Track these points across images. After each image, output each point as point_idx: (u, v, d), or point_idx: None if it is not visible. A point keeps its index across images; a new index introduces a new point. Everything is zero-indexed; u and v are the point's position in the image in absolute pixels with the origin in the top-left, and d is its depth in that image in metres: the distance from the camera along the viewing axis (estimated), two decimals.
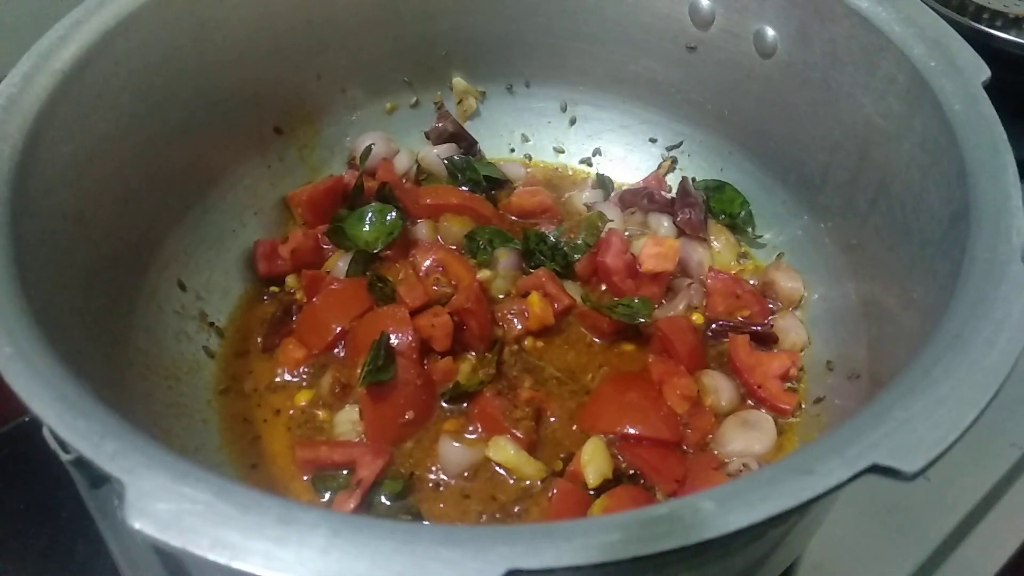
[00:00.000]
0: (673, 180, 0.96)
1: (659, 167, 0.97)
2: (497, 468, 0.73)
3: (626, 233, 0.90)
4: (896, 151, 0.70)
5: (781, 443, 0.76)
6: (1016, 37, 1.05)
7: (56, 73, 0.65)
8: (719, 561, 0.54)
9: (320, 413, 0.78)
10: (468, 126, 0.99)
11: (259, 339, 0.83)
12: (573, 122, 1.00)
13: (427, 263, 0.85)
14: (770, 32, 0.81)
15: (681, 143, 0.96)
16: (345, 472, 0.73)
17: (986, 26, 1.06)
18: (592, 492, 0.70)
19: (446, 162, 0.96)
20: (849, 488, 0.43)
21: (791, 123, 0.83)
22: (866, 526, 0.79)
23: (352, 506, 0.70)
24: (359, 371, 0.75)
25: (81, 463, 0.47)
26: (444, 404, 0.78)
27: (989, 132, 0.61)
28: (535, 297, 0.83)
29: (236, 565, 0.38)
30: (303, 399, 0.78)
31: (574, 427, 0.77)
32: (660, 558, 0.39)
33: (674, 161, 0.97)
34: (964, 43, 0.67)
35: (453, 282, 0.84)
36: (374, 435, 0.75)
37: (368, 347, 0.75)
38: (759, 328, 0.82)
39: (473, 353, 0.81)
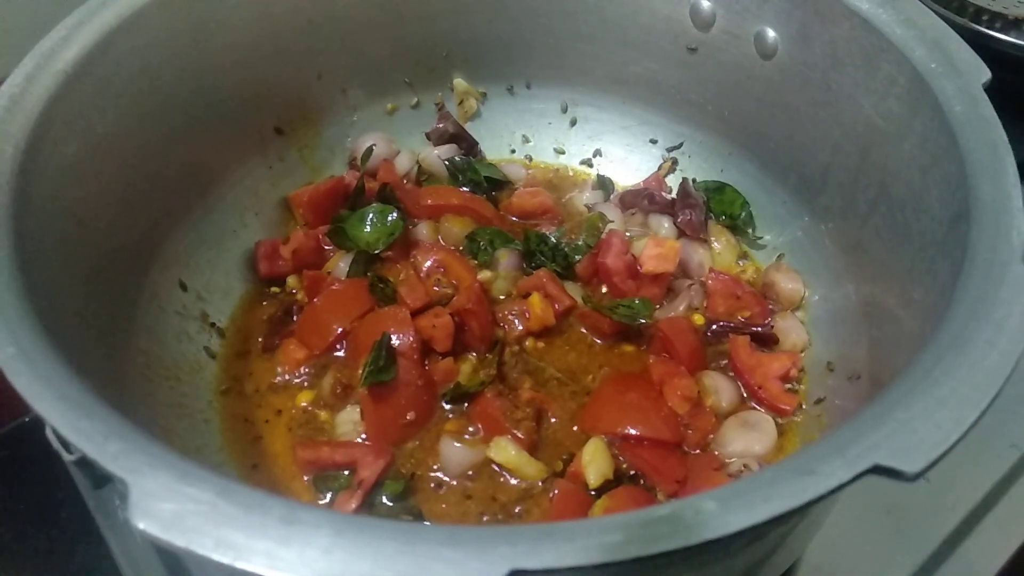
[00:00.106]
0: (673, 181, 0.96)
1: (659, 168, 0.97)
2: (498, 469, 0.74)
3: (627, 234, 0.90)
4: (896, 152, 0.70)
5: (782, 444, 0.76)
6: (1015, 39, 1.05)
7: (58, 73, 0.65)
8: (720, 562, 0.54)
9: (321, 413, 0.78)
10: (469, 127, 0.99)
11: (260, 339, 0.83)
12: (574, 123, 1.00)
13: (428, 264, 0.85)
14: (771, 33, 0.81)
15: (681, 144, 0.96)
16: (346, 472, 0.73)
17: (985, 27, 1.06)
18: (593, 493, 0.70)
19: (447, 163, 0.96)
20: (849, 489, 0.43)
21: (791, 124, 0.83)
22: (866, 527, 0.79)
23: (353, 506, 0.70)
24: (360, 372, 0.75)
25: (84, 463, 0.47)
26: (445, 405, 0.78)
27: (989, 133, 0.61)
28: (536, 298, 0.83)
29: (240, 565, 0.38)
30: (304, 399, 0.78)
31: (575, 428, 0.77)
32: (662, 558, 0.39)
33: (674, 162, 0.97)
34: (965, 45, 0.67)
35: (454, 283, 0.84)
36: (375, 435, 0.75)
37: (369, 348, 0.75)
38: (759, 329, 0.82)
39: (474, 354, 0.81)
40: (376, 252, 0.87)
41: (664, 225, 0.91)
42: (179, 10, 0.75)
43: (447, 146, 0.97)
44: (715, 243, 0.90)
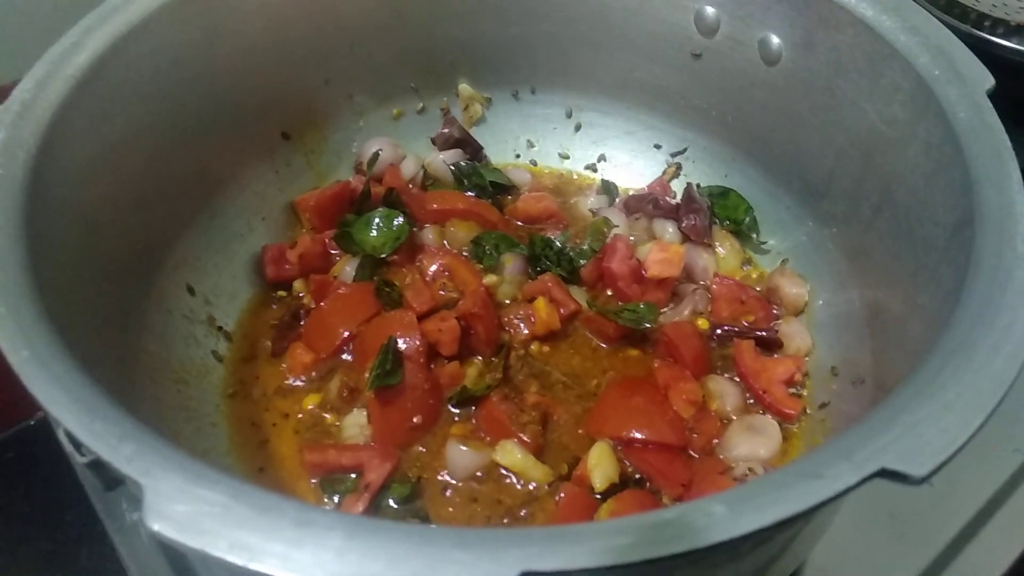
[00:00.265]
0: (678, 186, 0.96)
1: (664, 173, 0.97)
2: (504, 472, 0.74)
3: (631, 239, 0.91)
4: (900, 158, 0.70)
5: (786, 448, 0.76)
6: (1017, 44, 1.05)
7: (69, 79, 0.65)
8: (728, 565, 0.54)
9: (328, 417, 0.78)
10: (474, 132, 1.00)
11: (267, 343, 0.83)
12: (578, 128, 1.00)
13: (434, 268, 0.86)
14: (775, 40, 0.82)
15: (686, 149, 0.97)
16: (353, 476, 0.73)
17: (988, 33, 1.07)
18: (599, 496, 0.71)
19: (452, 168, 0.96)
20: (853, 493, 0.43)
21: (795, 130, 0.84)
22: (870, 531, 0.79)
23: (360, 509, 0.70)
24: (367, 375, 0.75)
25: (97, 466, 0.48)
26: (451, 408, 0.78)
27: (993, 140, 0.61)
28: (541, 302, 0.83)
29: (254, 566, 0.38)
30: (311, 403, 0.79)
31: (580, 431, 0.77)
32: (671, 561, 0.40)
33: (679, 167, 0.97)
34: (968, 52, 0.68)
35: (459, 287, 0.85)
36: (382, 439, 0.75)
37: (375, 351, 0.75)
38: (764, 333, 0.83)
39: (480, 358, 0.81)
40: (382, 256, 0.87)
41: (668, 230, 0.91)
42: (188, 17, 0.76)
43: (452, 151, 0.98)
44: (719, 248, 0.91)
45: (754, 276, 0.90)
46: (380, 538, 0.40)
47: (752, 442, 0.75)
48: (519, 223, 0.95)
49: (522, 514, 0.72)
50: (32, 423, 0.92)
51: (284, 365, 0.82)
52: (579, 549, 0.39)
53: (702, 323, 0.85)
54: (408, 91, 0.98)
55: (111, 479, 0.51)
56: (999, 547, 0.78)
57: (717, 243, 0.91)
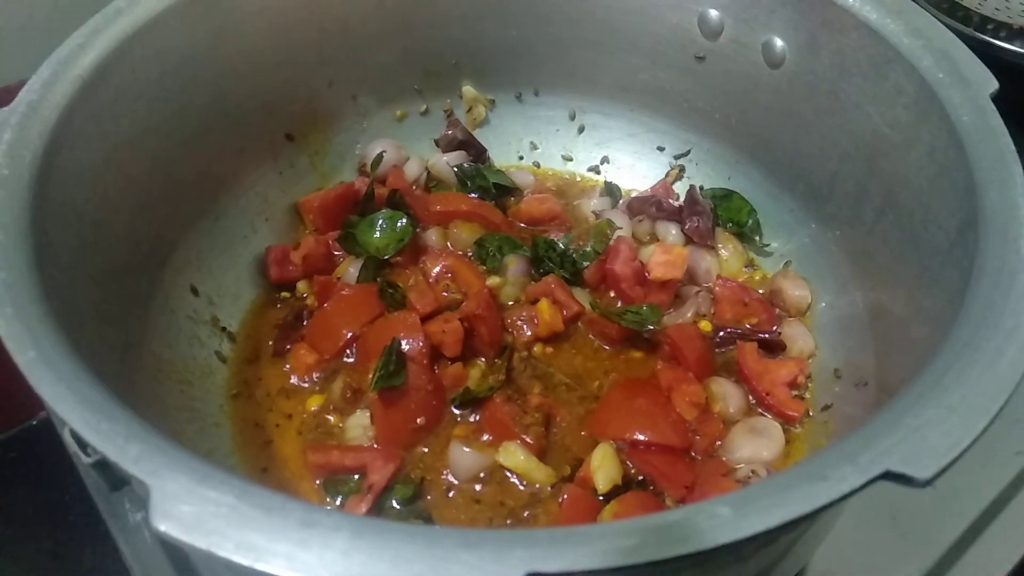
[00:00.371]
0: (681, 188, 0.96)
1: (667, 175, 0.98)
2: (507, 473, 0.74)
3: (634, 241, 0.91)
4: (904, 161, 0.70)
5: (789, 450, 0.76)
6: (1020, 48, 1.06)
7: (75, 80, 0.66)
8: (732, 566, 0.54)
9: (331, 418, 0.78)
10: (477, 134, 1.00)
11: (271, 344, 0.83)
12: (581, 130, 1.01)
13: (437, 269, 0.86)
14: (778, 43, 0.82)
15: (689, 152, 0.97)
16: (356, 477, 0.73)
17: (990, 37, 1.07)
18: (601, 498, 0.71)
19: (456, 169, 0.97)
20: (856, 496, 0.43)
21: (799, 132, 0.84)
22: (872, 533, 0.79)
23: (363, 510, 0.70)
24: (371, 376, 0.75)
25: (103, 466, 0.48)
26: (454, 409, 0.78)
27: (997, 143, 0.62)
28: (544, 304, 0.84)
29: (260, 567, 0.38)
30: (314, 404, 0.79)
31: (583, 433, 0.77)
32: (676, 562, 0.40)
33: (682, 169, 0.97)
34: (972, 55, 0.68)
35: (463, 288, 0.85)
36: (385, 440, 0.75)
37: (379, 352, 0.76)
38: (767, 336, 0.83)
39: (483, 359, 0.81)
40: (386, 258, 0.87)
41: (671, 232, 0.91)
42: (194, 18, 0.76)
43: (456, 153, 0.98)
44: (722, 250, 0.91)
45: (757, 278, 0.90)
46: (386, 539, 0.40)
47: (755, 444, 0.75)
48: (522, 225, 0.95)
49: (525, 515, 0.72)
50: (34, 423, 0.93)
51: (287, 366, 0.82)
52: (585, 550, 0.39)
53: (705, 325, 0.85)
54: (412, 93, 0.98)
55: (116, 479, 0.51)
56: (1002, 549, 0.78)
57: (720, 245, 0.91)
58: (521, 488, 0.74)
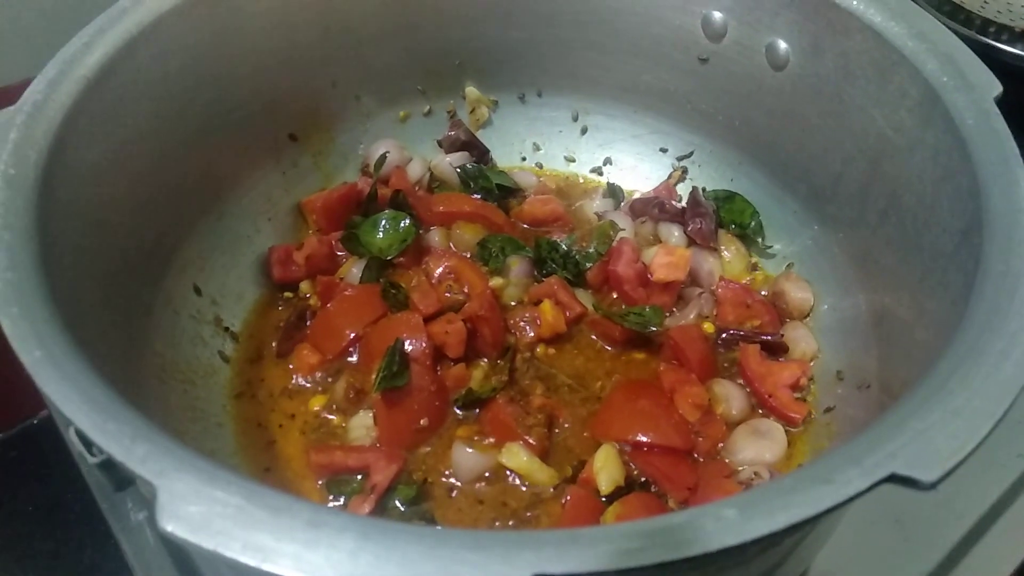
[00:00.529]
0: (683, 190, 0.96)
1: (670, 177, 0.98)
2: (509, 474, 0.74)
3: (637, 242, 0.91)
4: (908, 164, 0.70)
5: (791, 452, 0.76)
6: (1022, 51, 1.06)
7: (80, 79, 0.66)
8: (735, 568, 0.54)
9: (334, 418, 0.78)
10: (480, 135, 1.00)
11: (273, 344, 0.83)
12: (584, 131, 1.01)
13: (440, 270, 0.86)
14: (782, 45, 0.82)
15: (692, 153, 0.97)
16: (359, 477, 0.73)
17: (992, 39, 1.07)
18: (604, 499, 0.71)
19: (458, 170, 0.97)
20: (861, 498, 0.43)
21: (802, 135, 0.84)
22: (874, 535, 0.79)
23: (366, 511, 0.70)
24: (374, 377, 0.75)
25: (108, 466, 0.48)
26: (457, 410, 0.78)
27: (1001, 147, 0.62)
28: (547, 305, 0.84)
29: (267, 567, 0.38)
30: (317, 404, 0.79)
31: (586, 434, 0.77)
32: (682, 565, 0.40)
33: (684, 171, 0.97)
34: (976, 58, 0.68)
35: (465, 289, 0.85)
36: (388, 440, 0.75)
37: (382, 353, 0.76)
38: (769, 338, 0.83)
39: (486, 360, 0.81)
40: (388, 258, 0.87)
41: (674, 234, 0.91)
42: (198, 18, 0.76)
43: (459, 153, 0.98)
44: (725, 252, 0.91)
45: (760, 280, 0.90)
46: (393, 540, 0.40)
47: (757, 446, 0.75)
48: (525, 226, 0.95)
49: (528, 516, 0.72)
50: (35, 422, 0.92)
51: (290, 366, 0.82)
52: (592, 552, 0.39)
53: (708, 327, 0.85)
54: (415, 93, 0.98)
55: (122, 479, 0.51)
56: (1004, 551, 0.78)
57: (723, 247, 0.91)
58: (523, 489, 0.74)
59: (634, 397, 0.78)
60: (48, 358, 0.48)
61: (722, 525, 0.41)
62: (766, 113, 0.87)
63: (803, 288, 0.85)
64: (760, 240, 0.91)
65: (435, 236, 0.91)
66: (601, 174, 1.01)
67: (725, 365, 0.83)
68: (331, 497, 0.73)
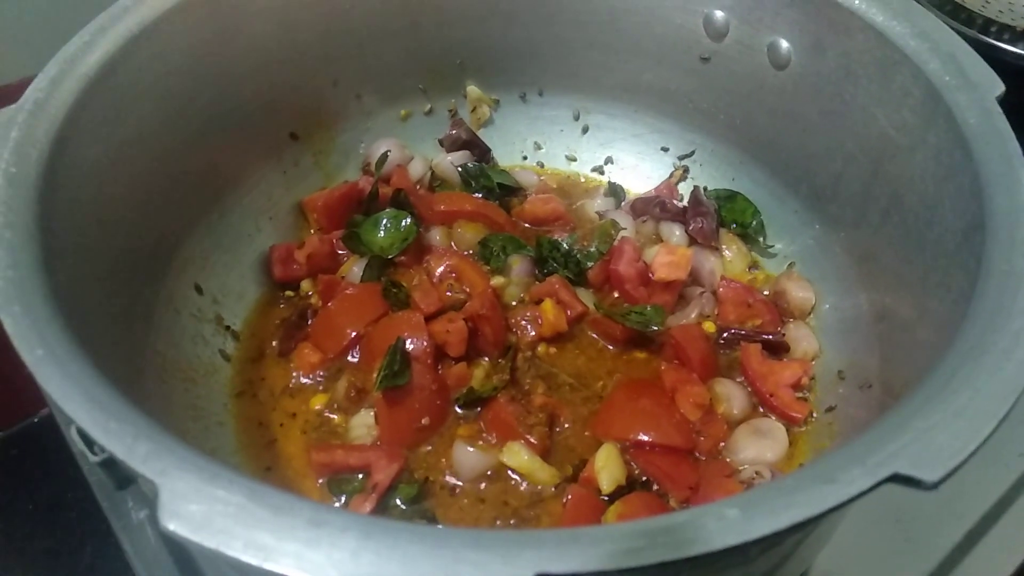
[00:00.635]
0: (685, 189, 0.96)
1: (671, 176, 0.98)
2: (511, 473, 0.74)
3: (638, 241, 0.91)
4: (910, 164, 0.70)
5: (792, 451, 0.76)
6: (1023, 50, 1.06)
7: (82, 78, 0.66)
8: (737, 568, 0.54)
9: (335, 417, 0.78)
10: (481, 134, 1.00)
11: (275, 343, 0.83)
12: (586, 131, 1.01)
13: (441, 269, 0.86)
14: (784, 44, 0.82)
15: (693, 152, 0.97)
16: (360, 476, 0.73)
17: (993, 39, 1.07)
18: (605, 498, 0.71)
19: (460, 169, 0.96)
20: (863, 497, 0.43)
21: (804, 134, 0.84)
22: (875, 535, 0.79)
23: (367, 510, 0.70)
24: (375, 376, 0.75)
25: (109, 464, 0.48)
26: (458, 409, 0.78)
27: (1003, 146, 0.62)
28: (548, 304, 0.84)
29: (268, 566, 0.38)
30: (318, 403, 0.79)
31: (586, 433, 0.77)
32: (684, 564, 0.40)
33: (686, 170, 0.97)
34: (978, 57, 0.68)
35: (467, 288, 0.85)
36: (389, 439, 0.75)
37: (383, 352, 0.76)
38: (771, 337, 0.83)
39: (487, 359, 0.81)
40: (390, 257, 0.87)
41: (676, 233, 0.91)
42: (200, 17, 0.76)
43: (460, 152, 0.98)
44: (726, 251, 0.91)
45: (761, 279, 0.90)
46: (394, 539, 0.40)
47: (759, 445, 0.75)
48: (526, 225, 0.95)
49: (529, 515, 0.72)
50: (36, 420, 0.92)
51: (291, 365, 0.82)
52: (594, 551, 0.39)
53: (709, 326, 0.85)
54: (416, 92, 0.98)
55: (123, 478, 0.51)
56: (1005, 551, 0.78)
57: (724, 246, 0.91)
58: (525, 488, 0.74)
59: (635, 396, 0.78)
60: (50, 357, 0.48)
61: (724, 525, 0.41)
62: (768, 112, 0.87)
63: (804, 287, 0.85)
64: (761, 239, 0.91)
65: (436, 235, 0.91)
66: (602, 173, 1.01)
67: (726, 364, 0.83)
68: (332, 496, 0.73)
